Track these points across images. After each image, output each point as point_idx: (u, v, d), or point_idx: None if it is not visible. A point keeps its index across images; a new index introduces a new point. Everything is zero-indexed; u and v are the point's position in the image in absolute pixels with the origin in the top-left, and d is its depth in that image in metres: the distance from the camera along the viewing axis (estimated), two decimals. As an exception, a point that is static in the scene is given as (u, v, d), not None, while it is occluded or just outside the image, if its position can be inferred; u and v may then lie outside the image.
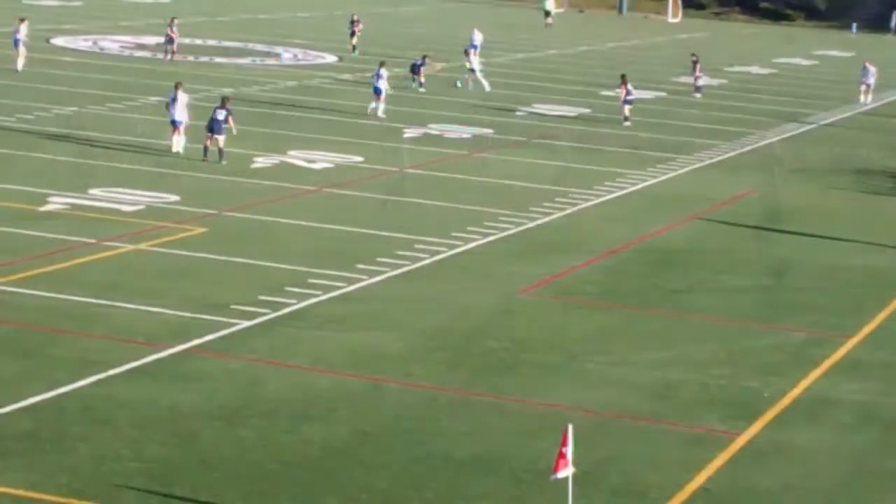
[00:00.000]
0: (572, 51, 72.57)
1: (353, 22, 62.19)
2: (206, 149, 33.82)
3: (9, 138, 35.60)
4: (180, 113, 34.54)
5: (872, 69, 56.91)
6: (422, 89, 50.27)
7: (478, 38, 61.54)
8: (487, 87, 51.52)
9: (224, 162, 33.49)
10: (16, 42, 47.58)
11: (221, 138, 33.69)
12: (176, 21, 55.17)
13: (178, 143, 34.59)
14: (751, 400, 19.69)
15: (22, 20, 48.77)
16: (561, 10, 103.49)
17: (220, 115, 33.83)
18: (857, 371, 21.54)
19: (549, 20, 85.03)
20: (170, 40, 54.21)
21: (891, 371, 21.72)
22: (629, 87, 45.89)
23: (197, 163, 33.81)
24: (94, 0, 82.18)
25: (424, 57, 51.67)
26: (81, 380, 18.38)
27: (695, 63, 55.67)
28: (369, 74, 53.86)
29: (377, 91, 42.86)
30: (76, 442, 16.43)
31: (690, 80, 56.45)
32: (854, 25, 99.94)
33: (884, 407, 19.90)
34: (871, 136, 48.92)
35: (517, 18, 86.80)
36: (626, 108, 45.77)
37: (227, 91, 42.10)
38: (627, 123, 45.37)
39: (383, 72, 42.70)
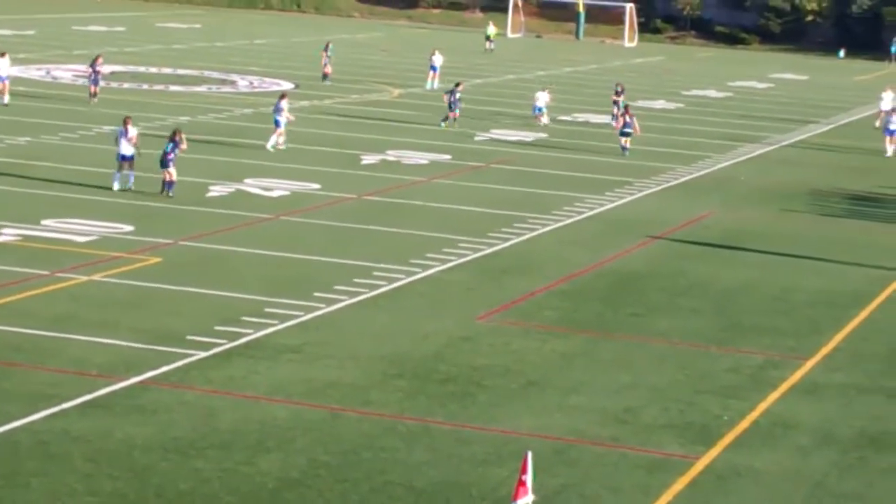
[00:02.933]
0: (530, 75, 72.73)
1: (326, 48, 61.95)
2: (165, 183, 33.29)
3: (-39, 169, 35.27)
4: (127, 147, 33.60)
5: (891, 95, 55.19)
6: (443, 124, 48.75)
7: (438, 59, 61.79)
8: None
9: (171, 195, 33.02)
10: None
11: (173, 171, 33.21)
12: (100, 59, 49.75)
13: (126, 179, 33.49)
14: (710, 423, 19.66)
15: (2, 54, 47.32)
16: (519, 35, 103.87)
17: (169, 147, 33.29)
18: (814, 393, 21.55)
19: (490, 45, 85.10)
20: (95, 78, 48.80)
21: (848, 392, 21.74)
22: (628, 118, 44.88)
23: (152, 192, 33.56)
24: (47, 29, 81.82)
25: (458, 85, 49.94)
26: (34, 413, 18.14)
27: (618, 93, 51.53)
28: (329, 101, 53.84)
29: (276, 124, 40.80)
30: (29, 477, 16.19)
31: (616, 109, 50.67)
32: (841, 51, 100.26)
33: (842, 428, 19.91)
34: (825, 157, 49.20)
35: (473, 44, 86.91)
36: (623, 139, 44.70)
37: (183, 120, 41.86)
38: (626, 153, 44.54)
39: (283, 104, 40.60)
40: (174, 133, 34.07)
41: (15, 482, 16.00)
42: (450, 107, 48.77)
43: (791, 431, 19.59)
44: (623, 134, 44.93)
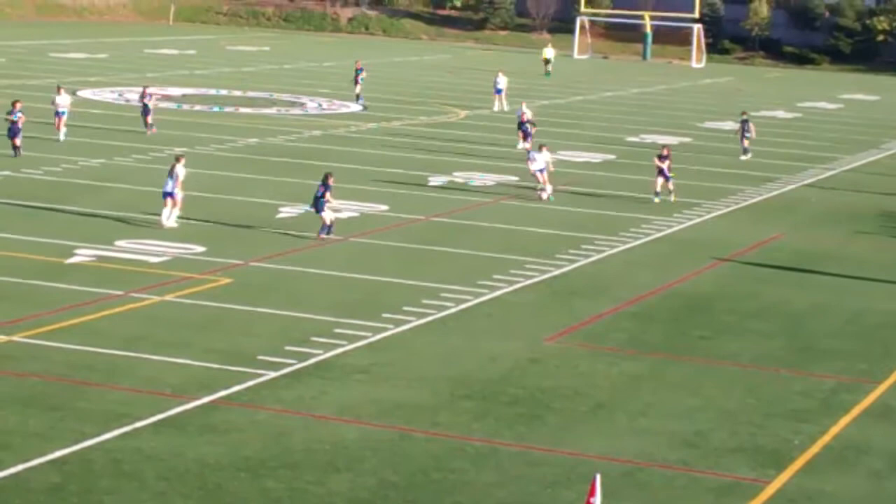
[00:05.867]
0: (596, 97, 72.67)
1: (358, 70, 62.34)
2: (323, 226, 31.67)
3: (35, 191, 35.79)
4: (173, 185, 31.99)
5: None
6: (522, 145, 47.10)
7: (502, 81, 61.92)
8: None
9: (323, 236, 31.58)
10: (57, 113, 44.40)
11: (325, 215, 31.70)
12: (149, 90, 48.75)
13: (169, 216, 31.95)
14: (780, 447, 19.53)
15: (58, 88, 45.59)
16: (585, 57, 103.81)
17: (321, 192, 31.68)
18: (887, 417, 21.34)
19: (549, 68, 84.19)
20: (145, 110, 47.66)
21: (922, 416, 21.51)
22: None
23: (219, 211, 33.85)
24: (120, 52, 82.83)
25: (527, 121, 48.05)
26: (108, 432, 18.37)
27: (745, 122, 50.53)
28: (396, 123, 54.03)
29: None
30: (103, 495, 16.39)
31: (737, 137, 51.02)
32: None
33: (915, 453, 19.70)
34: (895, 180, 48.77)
35: (539, 65, 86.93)
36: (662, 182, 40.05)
37: (252, 141, 42.12)
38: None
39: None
40: (326, 176, 31.93)
41: (89, 500, 16.20)
42: (523, 132, 47.84)
43: (863, 456, 19.42)
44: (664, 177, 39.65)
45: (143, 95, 48.29)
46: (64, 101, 44.91)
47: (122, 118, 51.68)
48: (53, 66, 70.82)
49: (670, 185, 39.84)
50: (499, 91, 61.89)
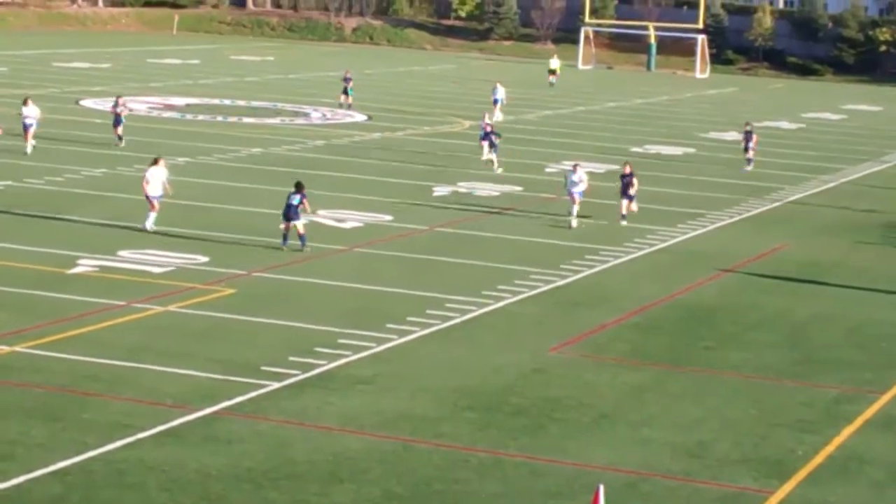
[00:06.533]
0: (600, 107, 72.70)
1: (346, 79, 62.33)
2: (284, 236, 31.00)
3: (38, 200, 35.80)
4: (155, 188, 32.45)
5: None
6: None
7: (500, 92, 61.92)
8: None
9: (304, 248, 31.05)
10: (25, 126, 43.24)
11: (300, 224, 31.13)
12: (121, 99, 47.63)
13: (151, 219, 32.21)
14: (784, 457, 19.50)
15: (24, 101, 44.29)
16: (589, 67, 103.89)
17: (297, 200, 31.22)
18: (890, 427, 21.31)
19: (553, 78, 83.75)
20: (117, 120, 46.34)
21: (926, 427, 21.47)
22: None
23: (223, 221, 33.86)
24: (123, 62, 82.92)
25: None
26: (110, 443, 18.35)
27: (748, 133, 50.13)
28: (401, 133, 54.05)
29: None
30: (105, 506, 16.38)
31: (741, 148, 50.85)
32: None
33: (919, 464, 19.66)
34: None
35: (543, 76, 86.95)
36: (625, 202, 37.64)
37: (256, 151, 42.08)
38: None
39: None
40: (300, 185, 31.50)
41: (92, 511, 16.18)
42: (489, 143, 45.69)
43: (866, 466, 19.39)
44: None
45: (115, 104, 47.04)
46: (32, 112, 43.66)
47: (126, 128, 51.70)
48: (56, 76, 70.91)
49: (634, 206, 37.10)
50: (496, 101, 61.87)
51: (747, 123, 52.19)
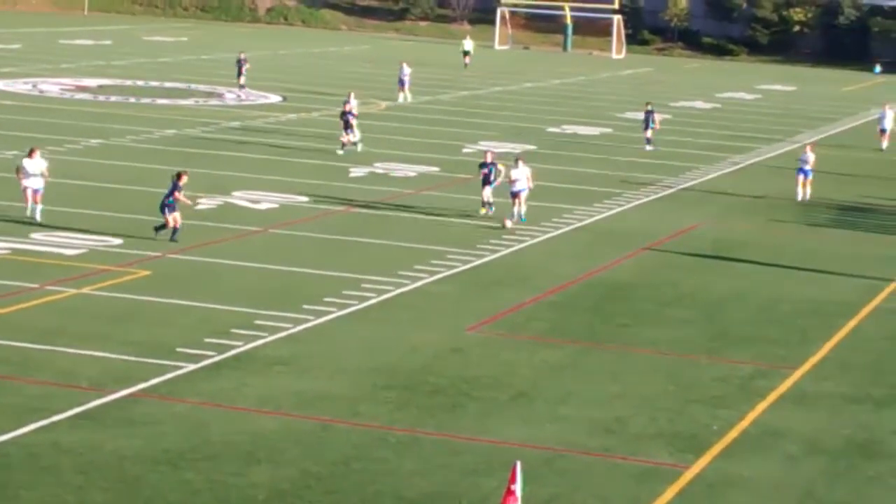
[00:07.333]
0: (517, 87, 72.85)
1: (240, 61, 61.84)
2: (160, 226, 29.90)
3: (-51, 183, 35.24)
4: (34, 179, 31.02)
5: (890, 113, 53.88)
6: None
7: (406, 72, 61.47)
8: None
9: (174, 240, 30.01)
10: None
11: (178, 216, 29.96)
12: None
13: (35, 209, 30.89)
14: (699, 433, 19.70)
15: None
16: (506, 47, 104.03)
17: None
18: (803, 402, 21.61)
19: (468, 59, 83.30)
20: None
21: (836, 401, 21.80)
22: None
23: (136, 203, 33.53)
24: (34, 43, 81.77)
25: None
26: (24, 426, 18.13)
27: (649, 113, 50.03)
28: (316, 114, 53.81)
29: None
30: (19, 490, 16.18)
31: (641, 128, 50.89)
32: (878, 66, 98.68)
33: (830, 437, 19.96)
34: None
35: (454, 56, 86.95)
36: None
37: (170, 133, 41.69)
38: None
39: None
40: (179, 175, 30.41)
41: (5, 495, 15.99)
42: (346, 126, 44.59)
43: (780, 440, 19.64)
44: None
45: None
46: None
47: (38, 110, 51.06)
48: (-33, 58, 69.79)
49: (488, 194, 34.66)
50: (402, 82, 61.41)
51: (648, 103, 52.07)
